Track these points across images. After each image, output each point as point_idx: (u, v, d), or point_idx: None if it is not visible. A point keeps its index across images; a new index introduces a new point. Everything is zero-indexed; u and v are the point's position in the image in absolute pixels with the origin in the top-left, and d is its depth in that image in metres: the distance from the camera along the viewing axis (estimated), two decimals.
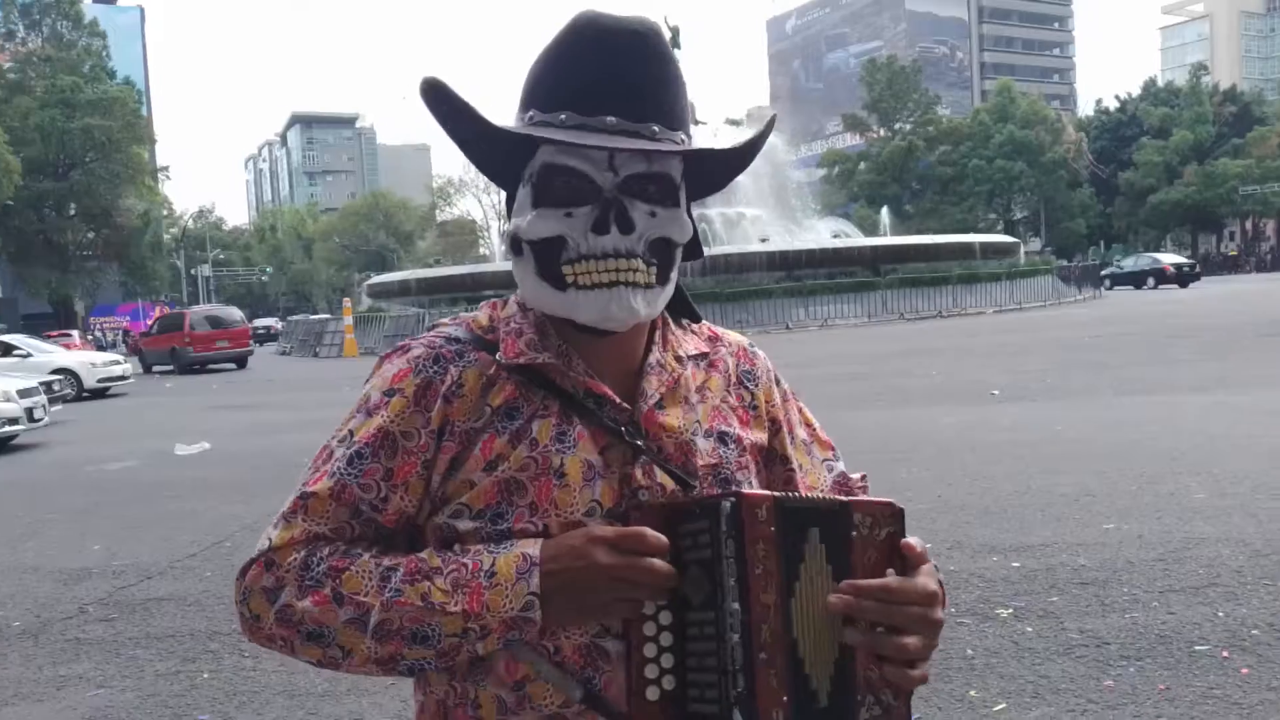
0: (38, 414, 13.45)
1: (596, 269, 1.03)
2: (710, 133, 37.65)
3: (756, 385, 1.21)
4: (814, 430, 1.27)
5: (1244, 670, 3.39)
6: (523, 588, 0.97)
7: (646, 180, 1.05)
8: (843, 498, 1.00)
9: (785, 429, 1.22)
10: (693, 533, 0.98)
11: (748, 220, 33.64)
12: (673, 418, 1.10)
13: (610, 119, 1.02)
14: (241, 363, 29.02)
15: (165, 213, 70.54)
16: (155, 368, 30.08)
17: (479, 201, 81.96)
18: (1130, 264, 46.97)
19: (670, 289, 1.10)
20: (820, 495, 1.01)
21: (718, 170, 1.15)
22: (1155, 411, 9.03)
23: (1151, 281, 42.68)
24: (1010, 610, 4.12)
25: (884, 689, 0.97)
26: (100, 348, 39.78)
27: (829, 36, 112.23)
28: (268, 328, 55.72)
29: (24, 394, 13.40)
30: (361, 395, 1.10)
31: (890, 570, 0.97)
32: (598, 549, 0.97)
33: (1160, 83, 76.61)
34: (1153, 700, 3.23)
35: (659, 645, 0.98)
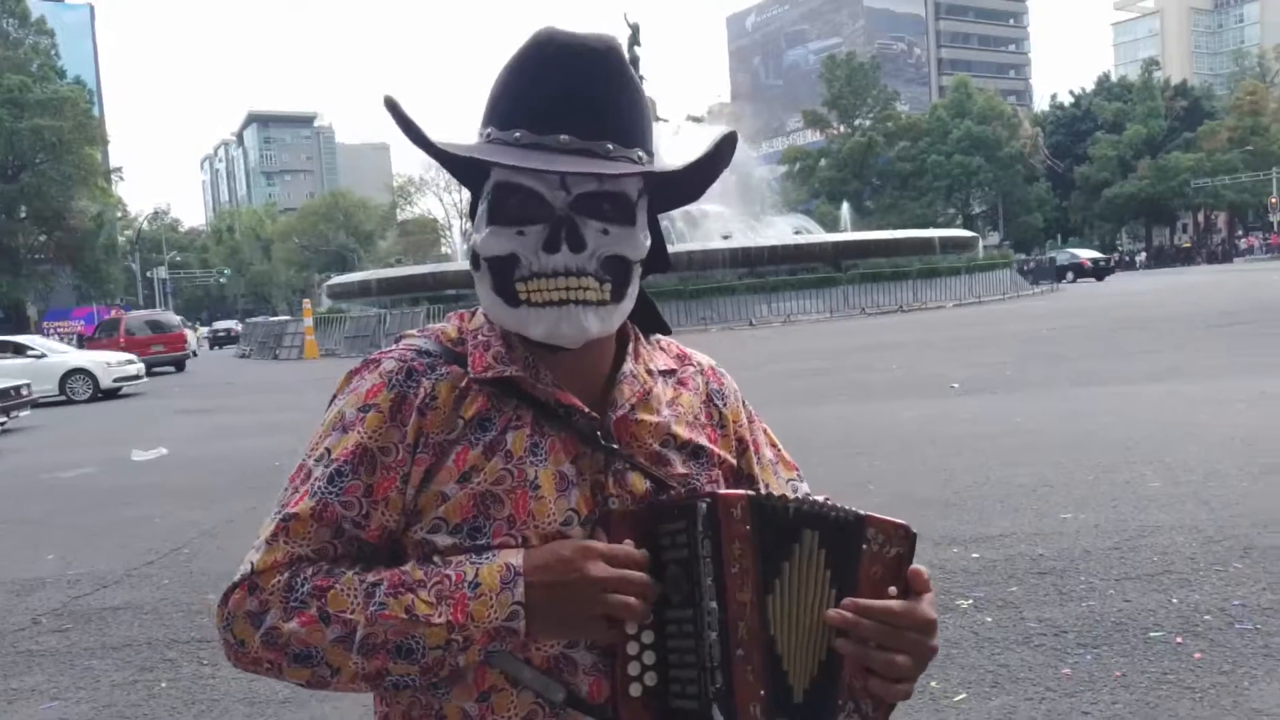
0: None
1: (547, 287, 1.04)
2: (672, 130, 37.74)
3: (725, 405, 1.22)
4: (779, 451, 1.28)
5: (1197, 655, 3.46)
6: (507, 597, 0.97)
7: (599, 198, 1.05)
8: (860, 511, 1.00)
9: (752, 449, 1.23)
10: (671, 533, 0.99)
11: (710, 218, 33.74)
12: (644, 427, 1.11)
13: (564, 137, 1.02)
14: (179, 365, 30.06)
15: (119, 215, 69.48)
16: None
17: (440, 200, 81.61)
18: (1051, 257, 48.05)
19: (627, 305, 1.10)
20: (832, 504, 1.01)
21: (684, 184, 1.15)
22: (1111, 402, 9.18)
23: (1070, 275, 43.92)
24: (970, 601, 4.17)
25: (866, 698, 0.98)
26: None
27: (788, 33, 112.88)
28: (228, 330, 55.03)
29: (3, 395, 13.98)
30: (334, 412, 1.09)
31: (892, 589, 0.98)
32: (591, 561, 0.98)
33: (1113, 78, 77.98)
34: (1109, 687, 3.28)
35: (640, 643, 0.99)
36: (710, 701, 0.94)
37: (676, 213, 30.78)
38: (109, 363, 22.07)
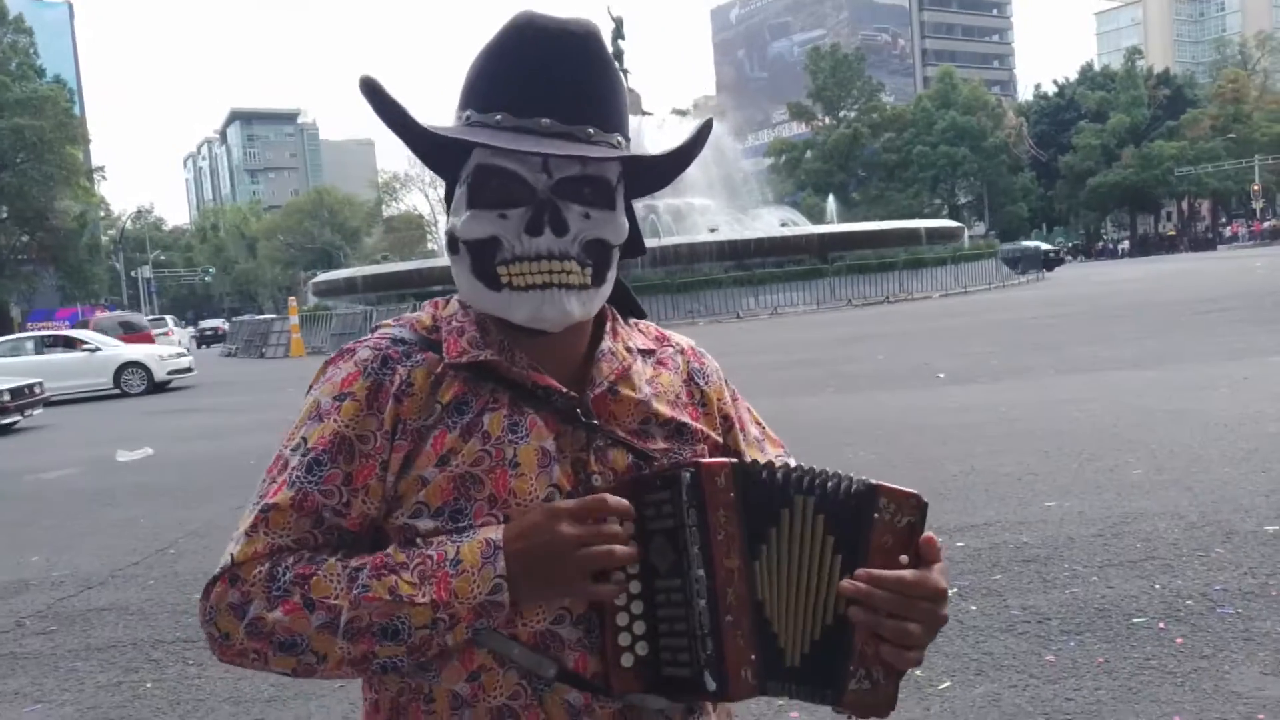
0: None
1: (530, 270, 1.03)
2: (656, 123, 37.66)
3: (707, 383, 1.22)
4: (764, 428, 1.29)
5: (1179, 640, 3.48)
6: (489, 572, 0.97)
7: (581, 182, 1.05)
8: (872, 480, 1.01)
9: (737, 425, 1.23)
10: (655, 503, 1.00)
11: (696, 211, 33.77)
12: (623, 405, 1.11)
13: (545, 120, 1.02)
14: None
15: (102, 214, 68.99)
16: None
17: (425, 196, 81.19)
18: (1008, 249, 48.09)
19: (607, 289, 1.11)
20: (854, 476, 1.01)
21: (659, 169, 1.16)
22: (1096, 390, 9.22)
23: (1021, 265, 44.02)
24: (955, 590, 4.18)
25: (877, 665, 0.99)
26: None
27: (772, 25, 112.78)
28: (214, 329, 54.81)
29: (16, 394, 14.65)
30: (310, 402, 1.08)
31: (904, 558, 0.99)
32: (560, 521, 0.97)
33: (1097, 67, 78.22)
34: (1092, 673, 3.30)
35: (630, 613, 1.00)
36: (702, 668, 0.95)
37: (662, 206, 30.87)
38: (162, 355, 22.17)
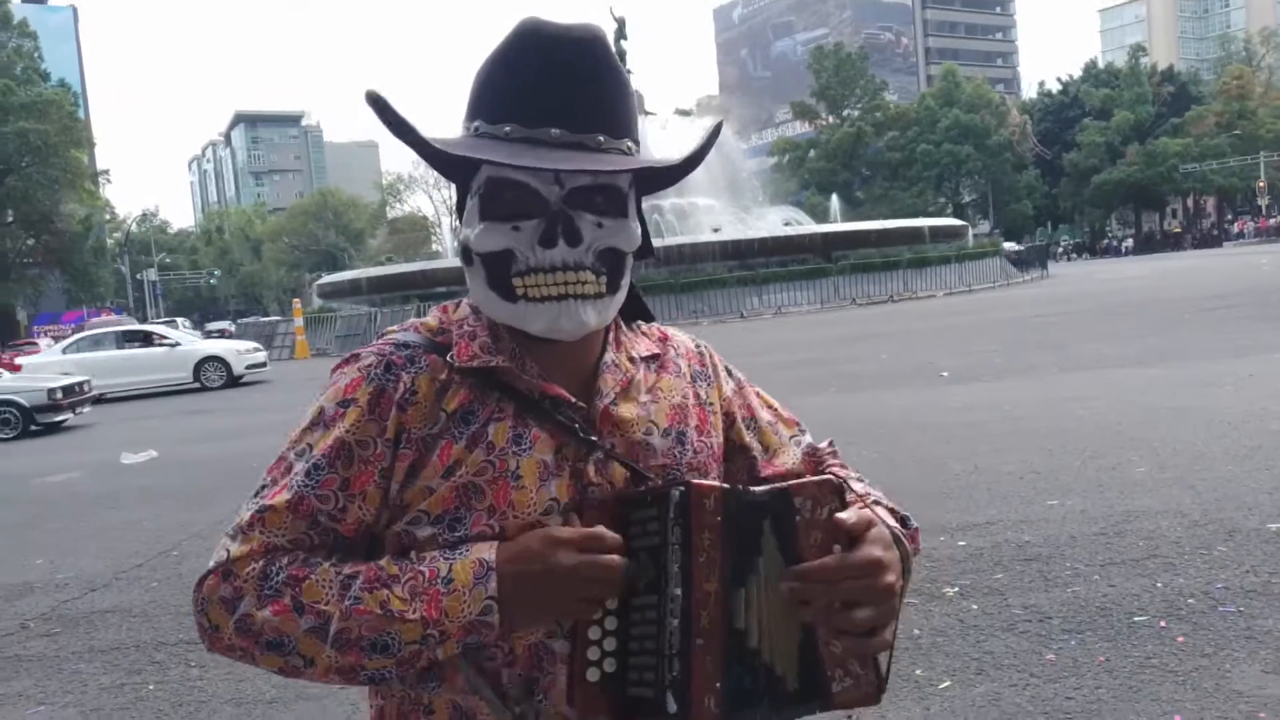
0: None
1: (545, 282, 1.04)
2: (660, 124, 37.69)
3: (709, 384, 1.22)
4: (776, 410, 1.29)
5: (1180, 639, 3.48)
6: (480, 592, 0.97)
7: (593, 192, 1.05)
8: (784, 484, 1.01)
9: (741, 418, 1.24)
10: (642, 520, 0.99)
11: (700, 210, 33.76)
12: (627, 416, 1.11)
13: (555, 131, 1.02)
14: None
15: (107, 217, 69.16)
16: None
17: (429, 198, 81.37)
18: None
19: (622, 295, 1.11)
20: (768, 487, 1.01)
21: (670, 172, 1.16)
22: (1100, 387, 9.20)
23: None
24: (956, 589, 4.18)
25: (849, 660, 0.98)
26: None
27: (775, 24, 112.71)
28: (221, 330, 54.99)
29: (68, 391, 15.35)
30: (315, 407, 1.09)
31: (837, 546, 0.98)
32: (558, 550, 0.97)
33: (1101, 64, 77.99)
34: (1092, 672, 3.29)
35: (603, 629, 0.99)
36: (665, 689, 0.94)
37: (666, 205, 30.86)
38: (239, 350, 22.47)
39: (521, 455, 1.04)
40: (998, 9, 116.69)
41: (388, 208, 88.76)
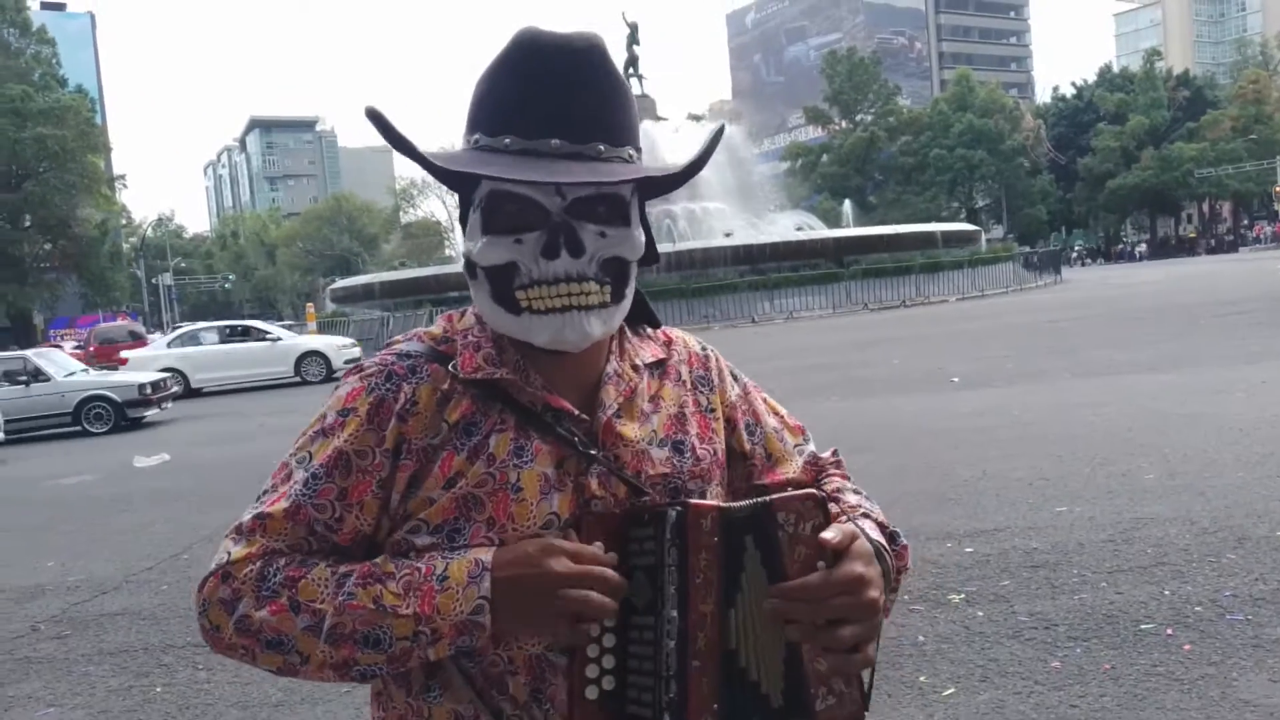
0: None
1: (549, 294, 1.03)
2: (672, 129, 37.71)
3: (711, 390, 1.22)
4: (782, 418, 1.28)
5: (1186, 647, 3.46)
6: (473, 591, 0.97)
7: (595, 202, 1.05)
8: (765, 499, 0.99)
9: (744, 424, 1.23)
10: (640, 539, 0.99)
11: (711, 215, 33.76)
12: (629, 427, 1.10)
13: (555, 142, 1.02)
14: None
15: (123, 222, 69.62)
16: None
17: (443, 203, 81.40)
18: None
19: (626, 304, 1.11)
20: (752, 501, 1.00)
21: (671, 178, 1.15)
22: (1111, 393, 9.16)
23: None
24: (962, 595, 4.17)
25: (834, 677, 0.98)
26: None
27: (788, 29, 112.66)
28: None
29: (155, 387, 16.00)
30: (318, 415, 1.10)
31: (821, 562, 0.97)
32: (551, 556, 0.97)
33: (1115, 69, 77.63)
34: (1098, 680, 3.28)
35: (601, 646, 0.99)
36: (662, 710, 0.94)
37: (678, 211, 30.84)
38: (338, 345, 22.82)
39: (523, 468, 1.04)
40: (1011, 14, 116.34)
41: (401, 213, 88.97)
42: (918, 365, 13.13)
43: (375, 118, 1.05)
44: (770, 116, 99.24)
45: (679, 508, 0.96)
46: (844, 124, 70.70)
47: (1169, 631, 3.60)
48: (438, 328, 1.15)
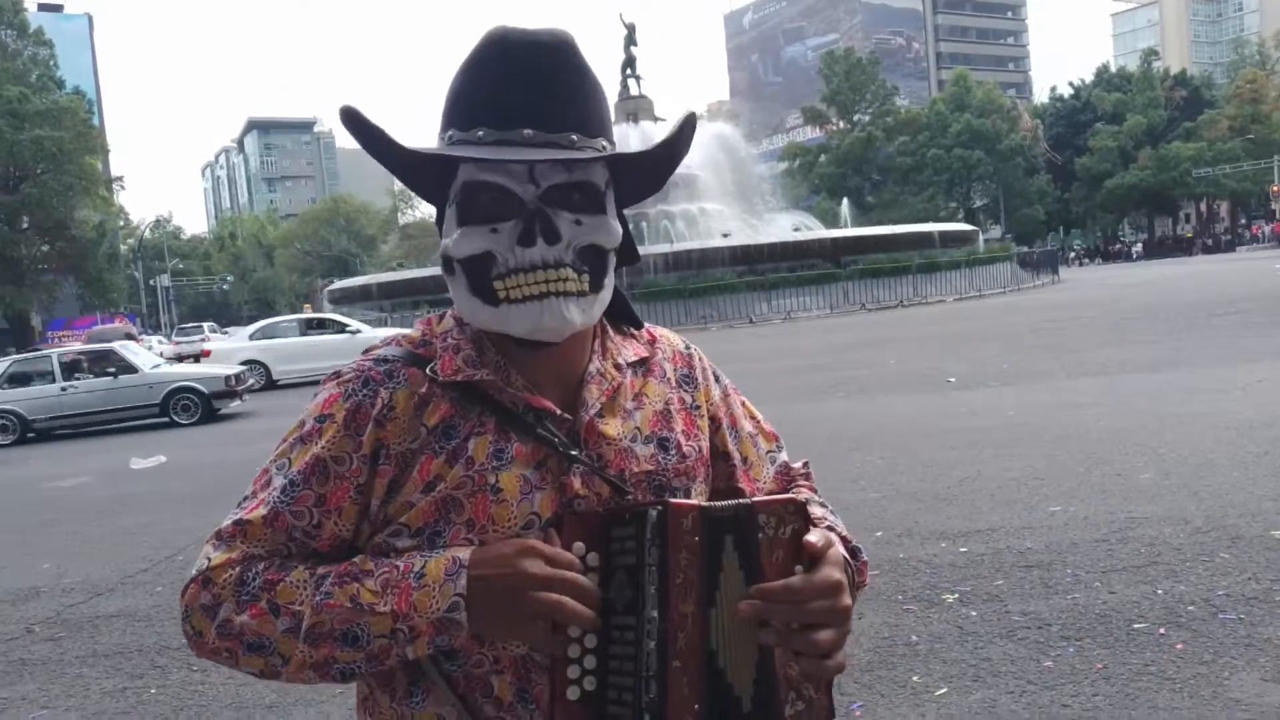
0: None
1: (526, 281, 1.03)
2: (669, 129, 37.65)
3: (696, 388, 1.22)
4: (758, 423, 1.28)
5: (1179, 646, 3.46)
6: (450, 588, 0.97)
7: (569, 189, 1.05)
8: (749, 500, 1.00)
9: (725, 425, 1.23)
10: (620, 538, 0.99)
11: (709, 215, 33.78)
12: (612, 426, 1.10)
13: (527, 131, 1.02)
14: None
15: (121, 223, 69.51)
16: None
17: None
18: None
19: (606, 295, 1.10)
20: (732, 501, 1.00)
21: (648, 172, 1.15)
22: (1106, 393, 9.17)
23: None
24: (956, 595, 4.17)
25: (804, 683, 0.98)
26: None
27: (786, 30, 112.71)
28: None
29: (238, 379, 16.36)
30: (297, 422, 1.10)
31: (798, 567, 0.98)
32: (527, 558, 0.97)
33: (1113, 69, 77.62)
34: (1090, 679, 3.28)
35: (583, 646, 0.99)
36: (642, 711, 0.94)
37: (676, 211, 30.79)
38: None
39: (502, 469, 1.04)
40: (1009, 14, 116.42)
41: (399, 213, 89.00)
42: (915, 365, 13.14)
43: (351, 117, 1.04)
44: (768, 117, 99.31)
45: (659, 507, 0.96)
46: (842, 124, 70.68)
47: (1162, 631, 3.61)
48: (416, 331, 1.14)
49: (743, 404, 1.28)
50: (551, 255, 1.03)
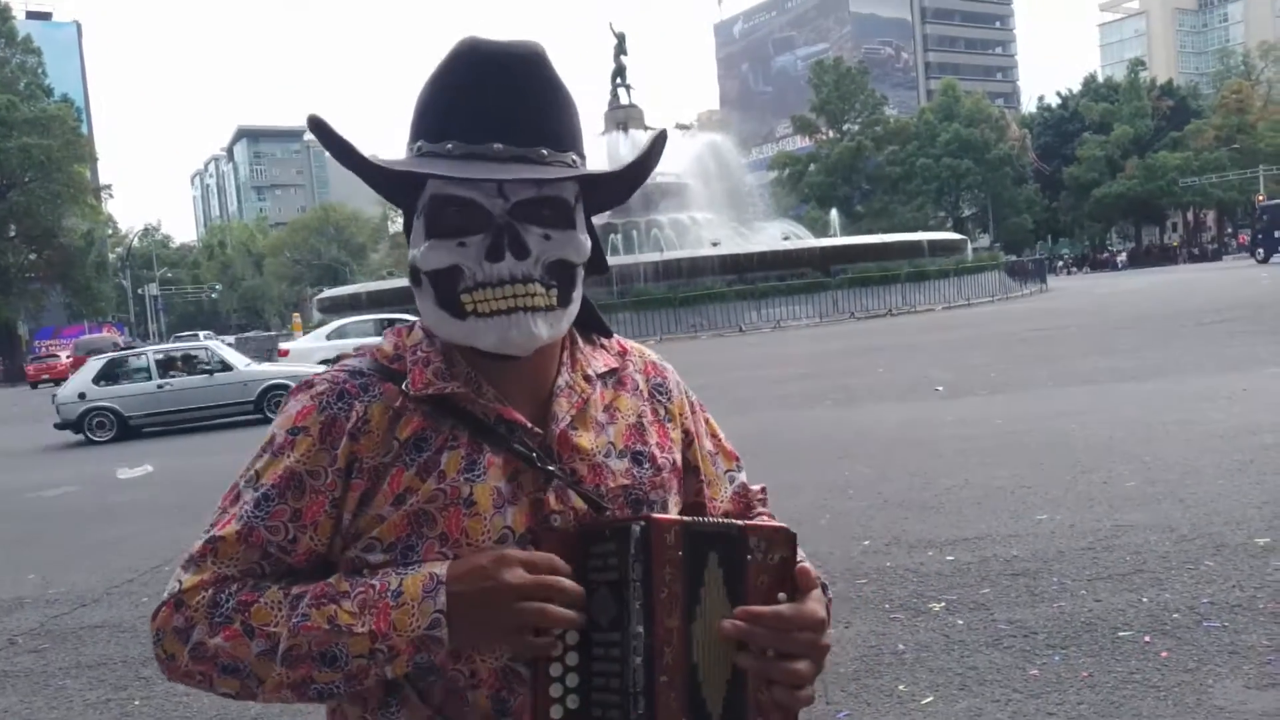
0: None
1: (494, 296, 1.03)
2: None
3: (669, 399, 1.21)
4: (719, 440, 1.27)
5: (1164, 654, 3.47)
6: (429, 606, 0.96)
7: (539, 204, 1.04)
8: (740, 522, 1.00)
9: (696, 440, 1.23)
10: (602, 554, 0.98)
11: (699, 224, 33.85)
12: (584, 439, 1.10)
13: (497, 145, 1.02)
14: None
15: (109, 232, 69.38)
16: None
17: None
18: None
19: (574, 309, 1.10)
20: (720, 519, 1.01)
21: (617, 186, 1.15)
22: (1093, 401, 9.21)
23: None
24: (942, 604, 4.18)
25: (773, 711, 0.98)
26: None
27: (776, 40, 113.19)
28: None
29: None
30: (267, 435, 1.08)
31: (781, 595, 0.98)
32: (505, 568, 0.96)
33: (1100, 79, 78.22)
34: (1075, 687, 3.29)
35: (565, 664, 0.98)
36: None
37: (665, 220, 30.90)
38: None
39: (475, 482, 1.03)
40: (997, 24, 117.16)
41: (389, 222, 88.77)
42: (903, 374, 13.18)
43: (317, 126, 1.04)
44: (758, 126, 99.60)
45: (642, 523, 0.95)
46: (831, 133, 71.00)
47: (1147, 639, 3.62)
48: (389, 344, 1.13)
49: (707, 421, 1.28)
50: (520, 270, 1.03)
